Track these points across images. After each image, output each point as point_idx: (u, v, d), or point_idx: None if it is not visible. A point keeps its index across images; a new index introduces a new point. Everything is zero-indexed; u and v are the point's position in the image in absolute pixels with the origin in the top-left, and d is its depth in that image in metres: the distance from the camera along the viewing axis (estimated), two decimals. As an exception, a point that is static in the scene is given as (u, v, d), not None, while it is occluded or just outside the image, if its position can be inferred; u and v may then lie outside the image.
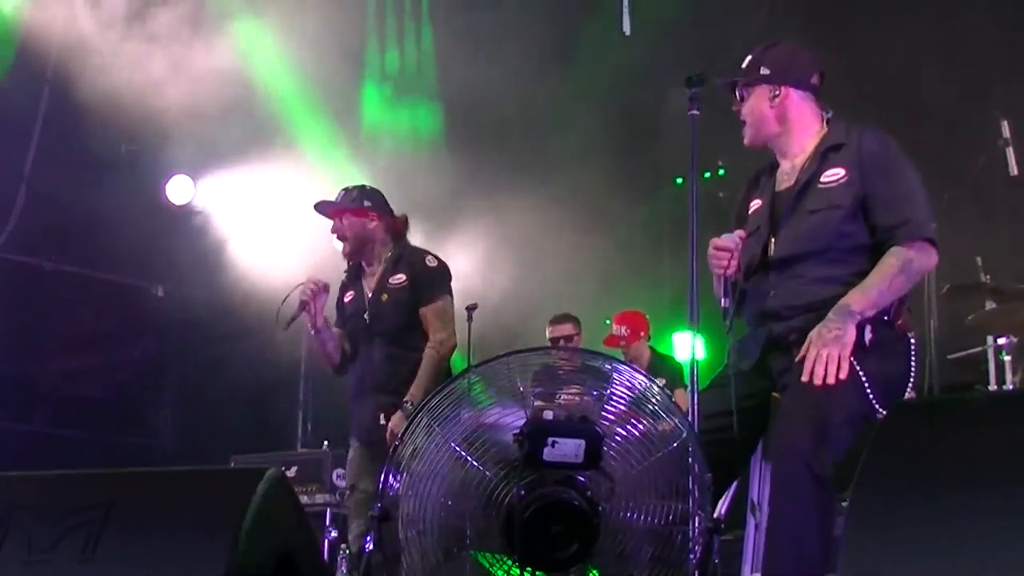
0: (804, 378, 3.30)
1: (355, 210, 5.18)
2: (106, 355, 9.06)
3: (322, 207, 5.26)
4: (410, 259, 5.16)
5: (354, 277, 5.30)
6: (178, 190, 9.10)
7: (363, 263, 5.26)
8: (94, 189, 8.05)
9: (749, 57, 3.77)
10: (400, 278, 5.11)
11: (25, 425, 8.46)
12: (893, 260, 3.45)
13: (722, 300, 3.64)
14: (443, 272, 5.17)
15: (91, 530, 2.82)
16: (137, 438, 8.90)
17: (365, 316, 5.15)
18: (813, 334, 3.37)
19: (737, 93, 3.77)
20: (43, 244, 8.49)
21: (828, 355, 3.30)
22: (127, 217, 8.33)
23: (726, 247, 3.60)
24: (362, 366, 5.17)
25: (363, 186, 5.32)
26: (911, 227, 3.48)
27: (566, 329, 7.36)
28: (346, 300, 5.31)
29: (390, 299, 5.09)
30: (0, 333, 8.25)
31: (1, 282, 8.32)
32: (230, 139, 8.56)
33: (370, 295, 5.17)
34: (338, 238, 5.20)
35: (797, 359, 3.41)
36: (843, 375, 3.29)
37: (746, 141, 3.78)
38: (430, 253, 5.22)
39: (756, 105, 3.72)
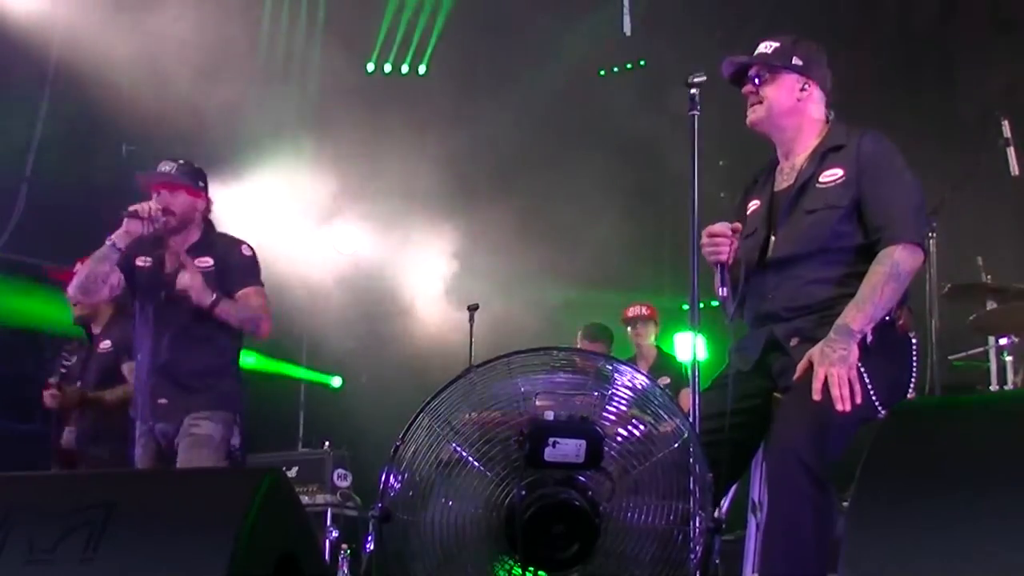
0: (817, 397, 3.29)
1: (190, 188, 4.98)
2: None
3: (156, 179, 4.99)
4: (221, 244, 5.01)
5: (156, 244, 4.99)
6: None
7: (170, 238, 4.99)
8: (95, 189, 8.06)
9: (775, 44, 3.73)
10: (207, 262, 4.93)
11: (26, 425, 8.45)
12: (880, 268, 3.44)
13: (719, 290, 3.64)
14: (255, 262, 5.03)
15: (92, 530, 2.82)
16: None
17: (162, 293, 4.90)
18: (815, 352, 3.36)
19: (753, 76, 3.73)
20: (44, 244, 8.48)
21: (839, 375, 3.29)
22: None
23: (722, 233, 3.59)
24: (144, 345, 4.93)
25: (195, 165, 5.09)
26: (898, 229, 3.47)
27: (598, 349, 7.32)
28: (139, 263, 5.01)
29: None
30: (1, 333, 8.25)
31: (2, 282, 8.32)
32: (232, 138, 8.56)
33: (169, 272, 4.91)
34: (164, 211, 4.87)
35: (796, 377, 3.41)
36: (859, 399, 3.29)
37: (752, 118, 3.73)
38: (244, 242, 5.05)
39: (781, 92, 3.69)
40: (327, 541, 6.93)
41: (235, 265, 4.96)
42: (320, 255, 9.24)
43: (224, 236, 5.10)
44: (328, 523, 7.09)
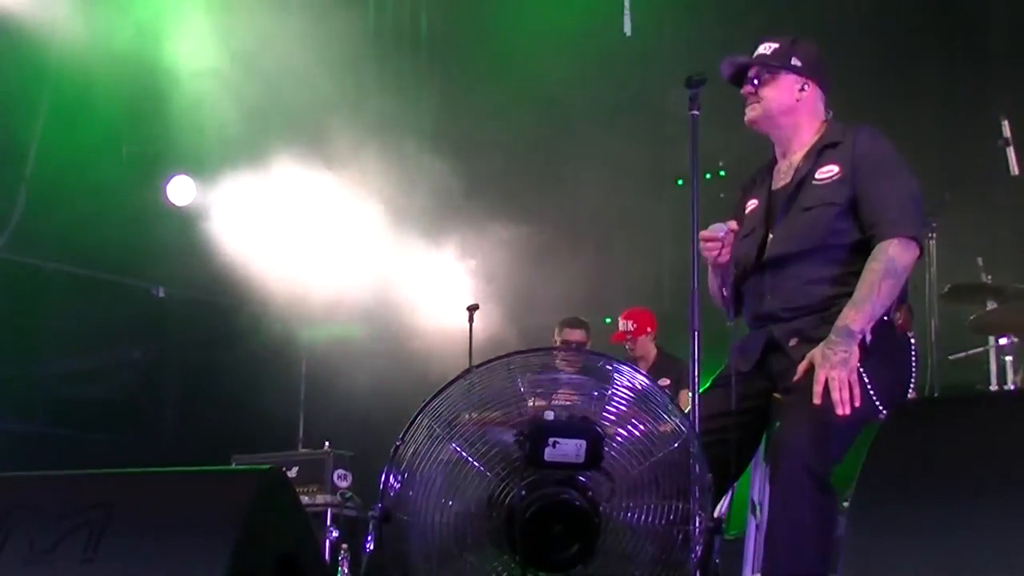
0: (817, 400, 3.28)
1: None
2: (107, 356, 9.07)
3: None
4: None
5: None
6: (179, 191, 9.10)
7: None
8: (96, 190, 8.06)
9: (774, 45, 3.74)
10: None
11: (26, 425, 8.46)
12: (876, 265, 3.43)
13: (721, 290, 3.65)
14: None
15: (92, 530, 2.83)
16: (138, 438, 8.90)
17: None
18: (816, 354, 3.36)
19: (752, 77, 3.73)
20: (44, 245, 8.48)
21: (839, 378, 3.28)
22: (129, 218, 8.35)
23: (713, 237, 3.61)
24: None
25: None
26: (892, 224, 3.46)
27: (577, 335, 7.32)
28: None
29: None
30: (1, 333, 8.25)
31: (2, 282, 8.32)
32: (232, 139, 8.56)
33: None
34: None
35: (796, 378, 3.41)
36: (857, 402, 3.29)
37: (750, 116, 3.74)
38: None
39: (780, 93, 3.69)
40: (327, 541, 6.93)
41: None
42: (317, 253, 9.21)
43: None
44: (328, 523, 7.09)
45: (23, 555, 2.83)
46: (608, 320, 8.00)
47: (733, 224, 3.66)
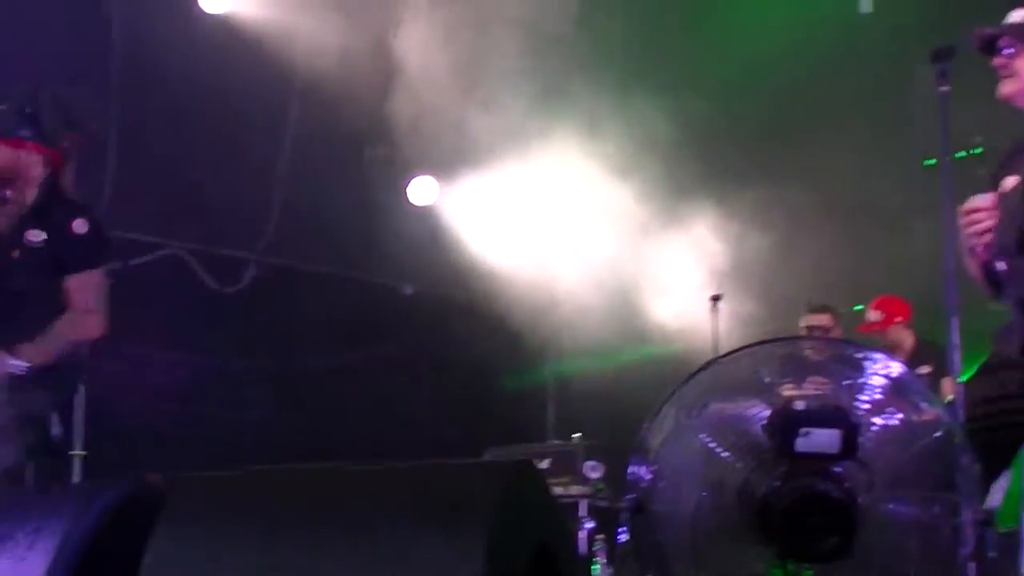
0: None
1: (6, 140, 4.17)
2: (363, 352, 9.41)
3: None
4: (57, 215, 4.18)
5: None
6: (422, 191, 9.33)
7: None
8: (344, 192, 8.39)
9: None
10: (39, 235, 4.14)
11: (284, 418, 8.86)
12: None
13: (997, 264, 3.48)
14: (92, 240, 4.21)
15: (378, 524, 2.91)
16: (395, 434, 9.20)
17: None
18: None
19: (1004, 47, 3.53)
20: (298, 246, 8.88)
21: None
22: (377, 218, 8.64)
23: (979, 207, 3.43)
24: None
25: (27, 110, 4.22)
26: None
27: (823, 320, 7.11)
28: None
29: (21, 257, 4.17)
30: (262, 333, 8.69)
31: (262, 284, 8.76)
32: (469, 137, 8.71)
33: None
34: None
35: None
36: None
37: (1006, 91, 3.51)
38: (80, 215, 4.20)
39: None
40: (583, 532, 6.99)
41: (68, 244, 4.18)
42: (557, 245, 9.28)
43: (63, 204, 4.28)
44: (583, 514, 7.15)
45: (274, 548, 2.93)
46: (859, 308, 7.73)
47: (993, 195, 3.49)
